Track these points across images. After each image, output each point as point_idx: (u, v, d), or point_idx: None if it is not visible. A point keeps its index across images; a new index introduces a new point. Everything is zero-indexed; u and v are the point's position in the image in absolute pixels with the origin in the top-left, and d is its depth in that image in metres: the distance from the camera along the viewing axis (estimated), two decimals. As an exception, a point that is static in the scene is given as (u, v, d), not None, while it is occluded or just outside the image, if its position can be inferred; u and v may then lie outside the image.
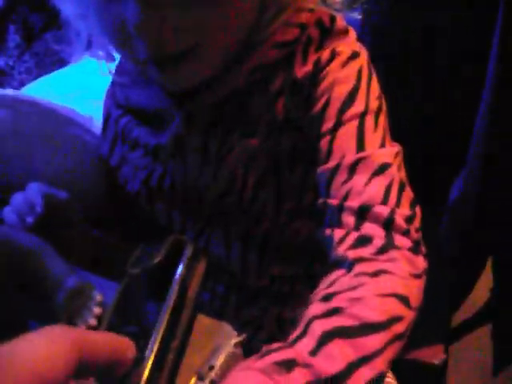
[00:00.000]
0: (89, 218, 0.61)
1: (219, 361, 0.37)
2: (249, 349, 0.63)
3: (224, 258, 0.58)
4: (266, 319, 0.62)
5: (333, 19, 0.50)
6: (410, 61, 0.90)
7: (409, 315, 0.39)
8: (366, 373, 0.34)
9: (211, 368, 0.37)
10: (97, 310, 0.46)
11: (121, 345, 0.29)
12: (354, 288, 0.38)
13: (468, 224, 0.94)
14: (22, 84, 1.02)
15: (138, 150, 0.58)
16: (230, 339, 0.39)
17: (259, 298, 0.61)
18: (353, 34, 0.51)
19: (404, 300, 0.39)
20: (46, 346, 0.24)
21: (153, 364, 0.32)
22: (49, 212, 0.54)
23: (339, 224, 0.44)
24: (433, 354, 0.79)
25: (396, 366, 0.69)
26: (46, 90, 0.89)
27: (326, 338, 0.35)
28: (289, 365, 0.33)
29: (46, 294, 0.46)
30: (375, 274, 0.39)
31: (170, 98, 0.54)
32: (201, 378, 0.37)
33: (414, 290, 0.40)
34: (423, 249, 0.44)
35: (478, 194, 0.88)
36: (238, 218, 0.55)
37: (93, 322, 0.46)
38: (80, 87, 0.83)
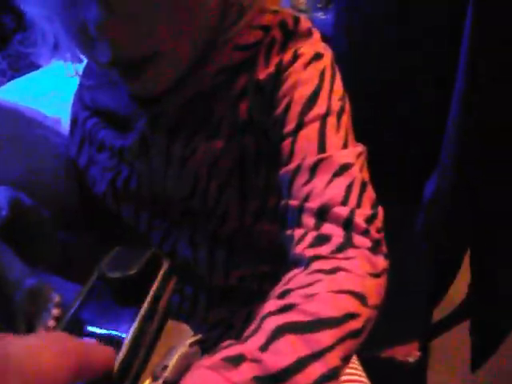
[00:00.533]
0: (57, 220, 0.60)
1: (173, 361, 0.37)
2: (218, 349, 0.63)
3: (191, 259, 0.58)
4: (236, 319, 0.62)
5: (296, 21, 0.50)
6: (385, 60, 0.91)
7: (365, 313, 0.38)
8: (318, 368, 0.33)
9: (165, 368, 0.37)
10: (55, 312, 0.46)
11: (110, 354, 0.29)
12: (308, 285, 0.38)
13: (442, 222, 0.94)
14: (-5, 86, 1.01)
15: (105, 152, 0.58)
16: (186, 339, 0.39)
17: (228, 298, 0.61)
18: (317, 34, 0.51)
19: (360, 297, 0.39)
20: (51, 359, 0.24)
21: (119, 371, 0.32)
22: (14, 216, 0.53)
23: (299, 224, 0.44)
24: (408, 352, 0.80)
25: (371, 364, 0.69)
26: (17, 92, 0.89)
27: (277, 333, 0.35)
28: (237, 360, 0.33)
29: (4, 296, 0.46)
30: (331, 272, 0.39)
31: (135, 101, 0.54)
32: (155, 378, 0.37)
33: (372, 288, 0.40)
34: (384, 248, 0.44)
35: (450, 193, 0.89)
36: (204, 219, 0.55)
37: (51, 323, 0.46)
38: (51, 90, 0.82)
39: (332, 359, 0.35)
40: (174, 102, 0.52)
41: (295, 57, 0.48)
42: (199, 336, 0.39)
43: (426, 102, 0.89)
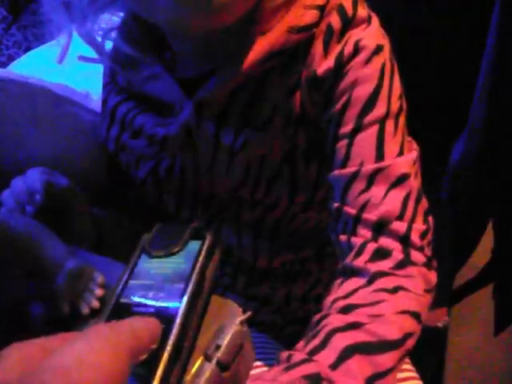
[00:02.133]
0: (90, 198, 0.60)
1: (225, 340, 0.37)
2: (255, 322, 0.64)
3: (235, 244, 0.57)
4: (275, 296, 0.62)
5: (355, 5, 0.46)
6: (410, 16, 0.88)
7: (419, 330, 0.41)
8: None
9: (218, 348, 0.36)
10: (99, 292, 0.46)
11: (155, 329, 0.28)
12: (373, 304, 0.40)
13: (468, 186, 0.94)
14: (10, 59, 0.99)
15: (142, 140, 0.55)
16: (236, 317, 0.38)
17: (268, 277, 0.61)
18: (376, 21, 0.47)
19: (417, 317, 0.41)
20: (103, 353, 0.23)
21: (171, 351, 0.32)
22: (48, 200, 0.53)
23: (355, 234, 0.44)
24: (436, 318, 0.80)
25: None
26: (36, 64, 0.87)
27: (347, 352, 0.36)
28: (315, 379, 0.34)
29: (47, 277, 0.46)
30: (394, 291, 0.41)
31: (179, 87, 0.51)
32: (208, 358, 0.36)
33: (426, 305, 0.43)
34: (435, 263, 0.45)
35: (478, 157, 0.87)
36: (250, 208, 0.54)
37: (95, 304, 0.46)
38: (73, 59, 0.80)
39: (391, 379, 0.38)
40: (222, 88, 0.48)
41: (356, 50, 0.45)
42: (249, 313, 0.39)
43: (456, 62, 0.87)
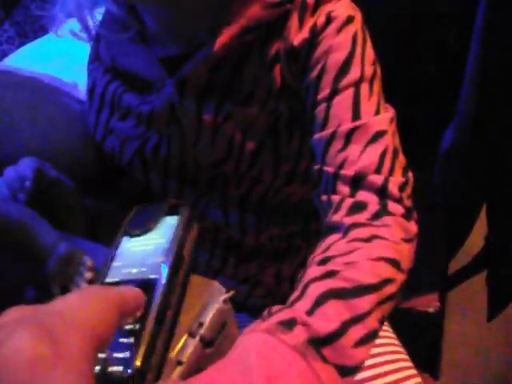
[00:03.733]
0: (80, 186, 0.61)
1: (208, 317, 0.38)
2: (246, 305, 0.65)
3: (222, 222, 0.59)
4: (265, 275, 0.63)
5: None
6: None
7: (399, 277, 0.41)
8: (359, 331, 0.36)
9: (200, 325, 0.38)
10: (88, 275, 0.47)
11: (139, 295, 0.30)
12: (348, 252, 0.40)
13: (459, 173, 0.94)
14: (4, 54, 1.00)
15: (130, 119, 0.56)
16: (219, 296, 0.40)
17: (257, 255, 0.62)
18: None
19: (395, 263, 0.41)
20: (93, 304, 0.25)
21: (155, 319, 0.33)
22: (38, 187, 0.54)
23: (334, 191, 0.45)
24: (428, 303, 0.81)
25: (393, 315, 0.71)
26: (28, 59, 0.88)
27: (322, 298, 0.36)
28: (290, 324, 0.35)
29: (39, 262, 0.47)
30: (369, 240, 0.41)
31: (162, 63, 0.53)
32: (191, 335, 0.38)
33: (405, 253, 0.42)
34: (415, 214, 0.45)
35: (468, 144, 0.88)
36: (235, 183, 0.56)
37: (85, 286, 0.47)
38: (62, 54, 0.81)
39: (371, 322, 0.37)
40: (201, 64, 0.50)
41: (328, 20, 0.47)
42: (232, 292, 0.40)
43: (444, 52, 0.88)
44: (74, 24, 0.55)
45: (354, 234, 0.42)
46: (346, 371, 0.35)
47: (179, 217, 0.40)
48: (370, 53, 0.48)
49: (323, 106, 0.47)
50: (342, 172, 0.45)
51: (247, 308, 0.65)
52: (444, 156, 0.93)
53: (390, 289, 0.39)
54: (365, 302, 0.37)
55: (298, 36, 0.48)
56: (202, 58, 0.50)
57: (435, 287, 0.85)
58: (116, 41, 0.57)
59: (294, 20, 0.48)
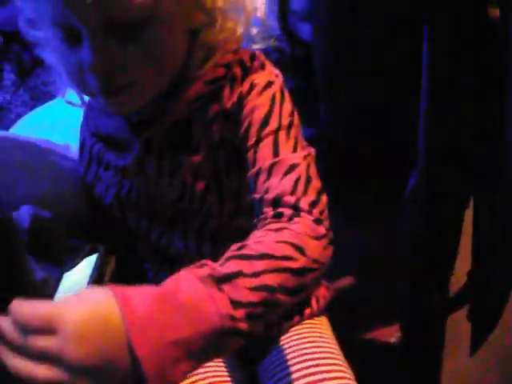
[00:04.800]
0: (71, 230, 0.72)
1: None
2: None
3: (183, 250, 0.70)
4: None
5: (252, 58, 0.63)
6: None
7: (302, 259, 0.50)
8: (253, 280, 0.46)
9: None
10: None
11: None
12: (259, 237, 0.51)
13: (422, 216, 1.00)
14: (18, 116, 1.14)
15: (110, 170, 0.71)
16: None
17: None
18: (269, 66, 0.64)
19: (297, 247, 0.50)
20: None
21: None
22: (34, 228, 0.66)
23: (261, 213, 0.56)
24: (389, 334, 0.87)
25: (355, 345, 0.77)
26: (33, 124, 1.02)
27: (228, 258, 0.48)
28: (200, 266, 0.48)
29: (23, 282, 0.59)
30: (277, 230, 0.52)
31: (130, 128, 0.66)
32: None
33: (310, 244, 0.51)
34: (326, 223, 0.55)
35: (426, 189, 0.94)
36: (191, 218, 0.68)
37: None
38: (61, 119, 0.94)
39: (266, 279, 0.47)
40: (160, 128, 0.64)
41: (251, 87, 0.61)
42: None
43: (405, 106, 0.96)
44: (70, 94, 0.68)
45: (268, 227, 0.52)
46: (238, 305, 0.45)
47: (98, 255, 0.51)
48: (287, 107, 0.61)
49: (252, 151, 0.59)
50: (265, 196, 0.56)
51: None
52: (407, 199, 1.00)
53: (290, 263, 0.49)
54: (262, 264, 0.47)
55: (229, 101, 0.61)
56: (159, 123, 0.63)
57: (396, 317, 0.90)
58: (99, 109, 0.70)
59: (227, 90, 0.61)
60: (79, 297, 0.42)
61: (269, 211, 0.55)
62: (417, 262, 1.04)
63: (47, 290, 0.60)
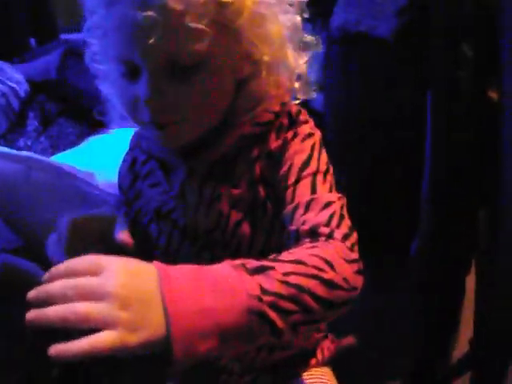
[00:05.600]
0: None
1: None
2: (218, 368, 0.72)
3: None
4: None
5: (298, 113, 0.69)
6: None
7: (332, 273, 0.52)
8: (282, 276, 0.49)
9: None
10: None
11: None
12: (291, 251, 0.54)
13: (426, 276, 1.02)
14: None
15: (157, 188, 0.74)
16: None
17: None
18: (311, 122, 0.69)
19: (328, 262, 0.52)
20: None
21: None
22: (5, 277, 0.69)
23: (296, 245, 0.59)
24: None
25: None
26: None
27: (262, 260, 0.51)
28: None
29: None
30: (310, 248, 0.55)
31: (177, 153, 0.71)
32: None
33: (342, 263, 0.53)
34: (357, 254, 0.58)
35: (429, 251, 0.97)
36: (221, 249, 0.70)
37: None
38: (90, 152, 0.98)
39: (296, 279, 0.49)
40: (205, 160, 0.69)
41: (295, 134, 0.67)
42: None
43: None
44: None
45: (300, 245, 0.56)
46: (267, 292, 0.46)
47: None
48: (323, 158, 0.66)
49: (291, 189, 0.64)
50: (302, 227, 0.59)
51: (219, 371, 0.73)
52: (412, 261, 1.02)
53: (319, 272, 0.51)
54: (293, 267, 0.50)
55: (274, 143, 0.67)
56: (206, 154, 0.69)
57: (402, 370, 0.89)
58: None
59: (273, 134, 0.68)
60: (127, 258, 0.47)
61: (304, 241, 0.58)
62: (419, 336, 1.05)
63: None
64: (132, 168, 0.79)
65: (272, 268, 0.49)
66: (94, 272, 0.44)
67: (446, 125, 0.87)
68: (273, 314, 0.47)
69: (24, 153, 0.81)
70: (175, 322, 0.44)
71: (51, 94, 1.28)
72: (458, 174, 0.90)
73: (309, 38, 0.70)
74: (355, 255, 0.56)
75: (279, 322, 0.48)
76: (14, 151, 0.82)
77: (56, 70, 1.25)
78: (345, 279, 0.53)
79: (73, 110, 1.31)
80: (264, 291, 0.47)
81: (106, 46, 0.64)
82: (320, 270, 0.51)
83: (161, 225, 0.74)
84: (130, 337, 0.43)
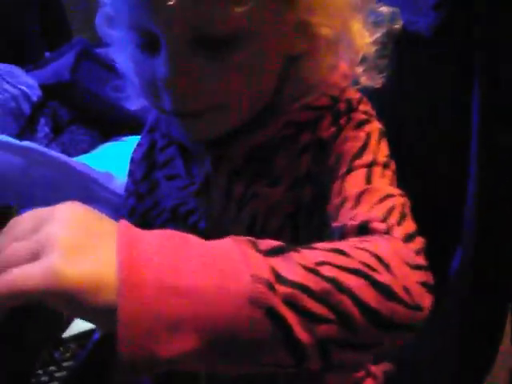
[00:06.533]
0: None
1: None
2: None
3: None
4: None
5: (360, 101, 0.55)
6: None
7: (387, 276, 0.37)
8: (310, 262, 0.35)
9: None
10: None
11: None
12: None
13: (467, 296, 0.93)
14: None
15: (175, 181, 0.60)
16: None
17: None
18: (373, 113, 0.56)
19: (380, 260, 0.38)
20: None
21: None
22: None
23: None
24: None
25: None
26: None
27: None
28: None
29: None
30: (357, 241, 0.41)
31: (202, 142, 0.57)
32: None
33: (401, 267, 0.39)
34: (423, 259, 0.43)
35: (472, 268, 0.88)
36: None
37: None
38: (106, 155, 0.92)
39: (333, 271, 0.35)
40: (239, 148, 0.55)
41: (349, 119, 0.53)
42: None
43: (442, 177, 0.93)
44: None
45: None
46: (284, 280, 0.32)
47: None
48: (384, 149, 0.53)
49: (339, 181, 0.50)
50: (349, 223, 0.45)
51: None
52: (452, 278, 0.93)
53: (368, 271, 0.36)
54: (330, 256, 0.36)
55: (328, 131, 0.53)
56: (238, 144, 0.55)
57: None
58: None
59: (327, 120, 0.54)
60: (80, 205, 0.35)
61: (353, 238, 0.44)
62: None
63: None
64: (149, 154, 0.64)
65: (297, 251, 0.36)
66: (40, 225, 0.32)
67: (494, 126, 0.79)
68: (290, 315, 0.32)
69: (24, 143, 0.73)
70: (127, 291, 0.29)
71: (63, 100, 1.23)
72: (507, 180, 0.81)
73: (384, 8, 0.55)
74: (422, 261, 0.41)
75: (299, 330, 0.32)
76: (18, 142, 0.74)
77: (69, 72, 1.20)
78: (406, 289, 0.37)
79: (85, 117, 1.24)
80: (279, 278, 0.32)
81: (118, 8, 0.50)
82: (370, 268, 0.36)
83: (178, 228, 0.63)
84: (67, 265, 0.29)
